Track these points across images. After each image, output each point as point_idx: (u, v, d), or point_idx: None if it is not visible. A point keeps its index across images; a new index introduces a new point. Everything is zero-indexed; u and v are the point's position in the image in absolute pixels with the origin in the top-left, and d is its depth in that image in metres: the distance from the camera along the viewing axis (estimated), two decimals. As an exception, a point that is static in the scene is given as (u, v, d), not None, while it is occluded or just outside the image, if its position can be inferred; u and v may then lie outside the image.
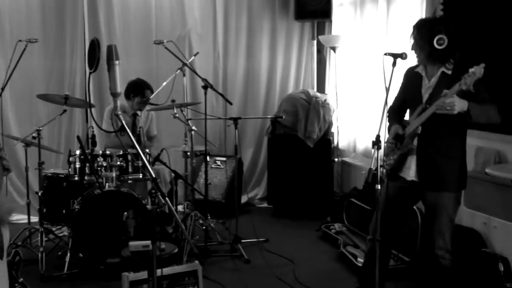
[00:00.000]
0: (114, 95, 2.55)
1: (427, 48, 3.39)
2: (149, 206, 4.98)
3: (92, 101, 6.34)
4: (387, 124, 3.77)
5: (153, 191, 2.67)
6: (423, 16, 5.16)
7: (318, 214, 6.43)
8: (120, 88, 5.95)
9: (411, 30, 3.54)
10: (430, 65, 3.50)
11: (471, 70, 3.10)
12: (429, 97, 3.46)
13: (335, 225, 5.82)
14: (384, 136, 3.36)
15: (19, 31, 6.30)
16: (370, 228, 3.89)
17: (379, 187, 3.29)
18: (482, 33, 4.50)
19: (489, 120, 3.31)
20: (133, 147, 5.09)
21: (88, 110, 6.57)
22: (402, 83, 3.78)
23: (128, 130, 2.63)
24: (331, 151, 6.73)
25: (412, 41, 3.51)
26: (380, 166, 3.34)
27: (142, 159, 2.69)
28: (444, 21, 3.44)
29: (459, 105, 3.16)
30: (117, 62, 2.55)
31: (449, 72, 3.41)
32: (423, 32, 3.42)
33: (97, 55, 2.48)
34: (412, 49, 3.54)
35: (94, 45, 2.51)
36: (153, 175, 2.65)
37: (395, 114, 3.80)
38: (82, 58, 6.63)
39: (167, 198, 2.70)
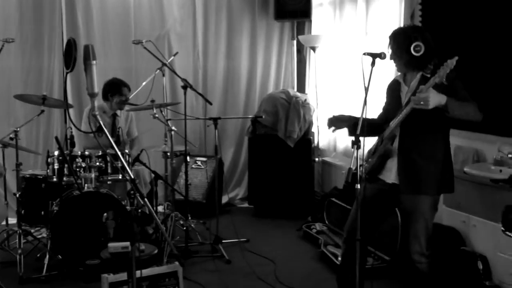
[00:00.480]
0: (92, 95, 2.53)
1: (405, 56, 3.41)
2: (128, 207, 4.96)
3: (70, 102, 6.28)
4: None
5: (131, 192, 2.64)
6: (402, 17, 5.20)
7: (299, 213, 6.44)
8: (98, 88, 5.92)
9: (387, 40, 3.54)
10: (410, 72, 3.52)
11: (445, 63, 3.12)
12: (408, 100, 3.47)
13: (316, 225, 5.83)
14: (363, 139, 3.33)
15: (-4, 30, 6.22)
16: (345, 227, 3.88)
17: (358, 186, 3.28)
18: (461, 32, 4.54)
19: (468, 116, 3.28)
20: (112, 147, 5.10)
21: (66, 110, 6.54)
22: (386, 96, 3.78)
23: (106, 131, 2.60)
24: (311, 151, 6.74)
25: (389, 51, 3.53)
26: (360, 165, 3.33)
27: (120, 160, 2.65)
28: (418, 29, 3.50)
29: (435, 99, 3.14)
30: (94, 62, 2.53)
31: (428, 75, 3.42)
32: (400, 41, 3.44)
33: (73, 55, 2.46)
34: (390, 58, 3.55)
35: (71, 45, 2.49)
36: (132, 176, 2.62)
37: (370, 126, 3.74)
38: (60, 58, 6.56)
39: (146, 199, 2.67)
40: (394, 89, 3.67)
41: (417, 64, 3.43)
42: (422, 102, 3.15)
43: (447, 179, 3.49)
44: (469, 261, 4.08)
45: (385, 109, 3.79)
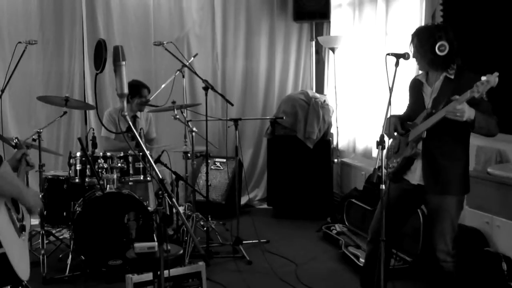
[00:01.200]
0: (121, 95, 2.54)
1: (429, 55, 3.41)
2: (150, 208, 4.98)
3: (91, 103, 6.31)
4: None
5: (160, 192, 2.65)
6: (423, 17, 5.19)
7: (318, 215, 6.44)
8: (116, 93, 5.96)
9: (410, 37, 3.54)
10: (432, 71, 3.52)
11: (483, 78, 3.07)
12: (433, 102, 3.47)
13: (336, 226, 5.83)
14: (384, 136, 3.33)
15: (17, 33, 6.27)
16: (370, 229, 3.89)
17: (383, 187, 3.28)
18: (483, 32, 4.53)
19: (489, 132, 3.32)
20: (136, 149, 5.14)
21: (89, 111, 6.60)
22: (409, 95, 3.79)
23: (135, 131, 2.62)
24: (330, 152, 6.74)
25: (412, 49, 3.52)
26: (384, 167, 3.33)
27: (148, 161, 2.67)
28: (443, 28, 3.45)
29: (468, 113, 3.15)
30: (123, 63, 2.54)
31: (452, 77, 3.42)
32: (424, 39, 3.43)
33: (103, 56, 2.47)
34: (413, 56, 3.54)
35: (101, 46, 2.50)
36: (160, 176, 2.64)
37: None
38: (81, 60, 6.63)
39: (174, 199, 2.69)
40: (416, 89, 3.67)
41: (441, 64, 3.42)
42: (458, 114, 3.14)
43: (467, 180, 3.52)
44: (493, 262, 4.05)
45: (410, 107, 3.78)
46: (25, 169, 3.17)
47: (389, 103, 3.38)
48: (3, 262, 2.44)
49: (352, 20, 6.61)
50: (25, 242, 2.84)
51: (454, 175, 3.43)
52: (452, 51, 3.36)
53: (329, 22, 7.11)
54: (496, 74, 3.05)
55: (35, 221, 5.42)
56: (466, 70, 3.41)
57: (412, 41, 3.52)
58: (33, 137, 4.87)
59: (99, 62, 2.51)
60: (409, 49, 3.53)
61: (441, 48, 3.35)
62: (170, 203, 2.67)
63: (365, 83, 6.29)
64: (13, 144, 3.32)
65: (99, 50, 2.51)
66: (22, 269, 2.59)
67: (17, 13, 6.39)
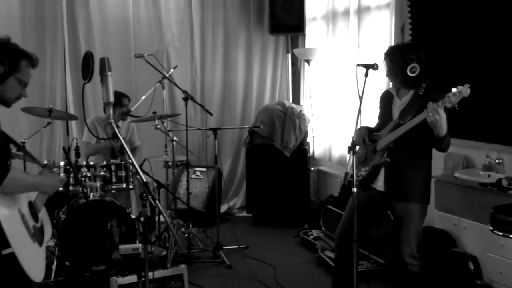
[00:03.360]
0: (108, 104, 2.71)
1: (401, 75, 3.58)
2: (132, 215, 5.12)
3: (73, 113, 6.42)
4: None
5: (144, 194, 2.81)
6: (393, 30, 5.41)
7: (296, 221, 6.60)
8: (98, 101, 6.08)
9: (382, 56, 3.70)
10: (404, 89, 3.70)
11: (454, 89, 3.21)
12: (401, 113, 3.65)
13: (313, 231, 6.01)
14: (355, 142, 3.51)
15: None
16: (336, 233, 4.04)
17: (355, 190, 3.45)
18: (450, 44, 4.76)
19: (446, 149, 3.50)
20: (115, 157, 5.27)
21: (71, 122, 6.70)
22: (379, 107, 3.95)
23: (120, 136, 2.79)
24: (307, 160, 6.91)
25: (385, 67, 3.69)
26: (356, 174, 3.49)
27: (133, 165, 2.84)
28: (414, 48, 3.59)
29: (442, 121, 3.26)
30: (109, 73, 2.71)
31: (421, 93, 3.61)
32: (396, 60, 3.60)
33: (91, 67, 2.64)
34: (386, 75, 3.72)
35: (88, 58, 2.67)
36: (144, 179, 2.80)
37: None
38: (63, 72, 6.74)
39: (157, 201, 2.85)
40: (386, 100, 3.83)
41: (412, 84, 3.60)
42: (437, 117, 3.23)
43: (429, 191, 3.71)
44: (460, 262, 4.27)
45: (379, 118, 3.96)
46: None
47: (359, 112, 3.54)
48: (13, 263, 2.51)
49: (326, 33, 6.82)
50: (41, 248, 2.92)
51: (417, 184, 3.61)
52: (422, 72, 3.52)
53: (304, 35, 7.30)
54: (468, 85, 3.20)
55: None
56: (434, 91, 3.55)
57: (385, 59, 3.68)
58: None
59: (86, 72, 2.67)
60: (382, 66, 3.71)
61: (413, 70, 3.51)
62: (153, 204, 2.82)
63: (339, 93, 6.50)
64: (43, 164, 3.31)
65: (87, 62, 2.67)
66: (35, 271, 2.67)
67: (-1, 27, 6.50)
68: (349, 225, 3.58)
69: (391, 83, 3.89)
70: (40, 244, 2.89)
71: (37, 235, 2.87)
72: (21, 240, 2.65)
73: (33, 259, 2.71)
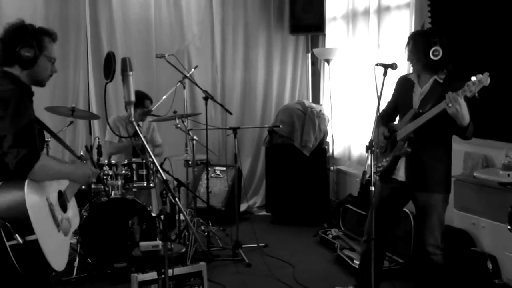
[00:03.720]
0: (129, 103, 2.77)
1: (423, 59, 3.60)
2: (153, 213, 5.19)
3: (96, 113, 6.51)
4: (375, 126, 3.96)
5: (164, 192, 2.86)
6: (413, 29, 5.41)
7: (315, 220, 6.64)
8: (120, 100, 6.14)
9: (405, 41, 3.75)
10: (424, 74, 3.71)
11: (474, 78, 3.24)
12: (421, 102, 3.68)
13: (332, 231, 6.03)
14: (376, 142, 3.54)
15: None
16: (364, 229, 4.10)
17: (373, 189, 3.48)
18: (469, 42, 4.75)
19: (470, 138, 3.51)
20: (137, 156, 5.35)
21: (93, 121, 6.80)
22: (395, 90, 3.98)
23: (141, 135, 2.85)
24: (326, 160, 6.93)
25: (407, 52, 3.73)
26: (374, 172, 3.53)
27: (153, 162, 2.89)
28: (438, 33, 3.63)
29: (463, 110, 3.29)
30: (131, 73, 2.77)
31: (441, 81, 3.63)
32: (419, 44, 3.63)
33: (113, 67, 2.70)
34: (408, 59, 3.75)
35: (110, 58, 2.73)
36: (164, 177, 2.85)
37: (386, 117, 4.00)
38: (85, 72, 6.85)
39: (177, 199, 2.90)
40: (406, 87, 3.84)
41: (434, 67, 3.62)
42: (457, 107, 3.27)
43: (450, 180, 3.75)
44: (479, 261, 4.27)
45: (393, 102, 3.99)
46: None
47: (378, 111, 3.60)
48: (35, 250, 2.54)
49: (346, 33, 6.84)
50: (66, 238, 2.93)
51: (439, 174, 3.65)
52: (445, 56, 3.55)
53: (324, 34, 7.33)
54: (487, 74, 3.22)
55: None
56: (454, 80, 3.58)
57: (408, 44, 3.72)
58: (41, 146, 5.10)
59: (108, 72, 2.73)
60: (404, 51, 3.73)
61: (435, 53, 3.54)
62: (173, 202, 2.87)
63: (359, 93, 6.51)
64: (78, 155, 3.35)
65: (109, 62, 2.73)
66: (57, 260, 2.69)
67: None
68: (377, 219, 3.61)
69: (411, 69, 3.88)
70: (66, 234, 2.91)
71: (64, 225, 2.89)
72: (46, 228, 2.68)
73: (56, 248, 2.74)
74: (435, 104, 3.49)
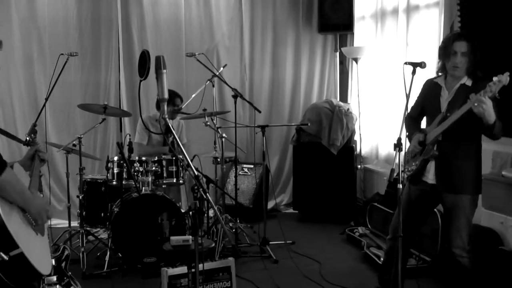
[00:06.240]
0: (162, 100, 2.83)
1: (478, 56, 3.63)
2: (182, 209, 5.27)
3: (126, 110, 6.62)
4: (406, 130, 3.99)
5: (195, 187, 2.93)
6: (442, 28, 5.39)
7: (342, 218, 6.67)
8: (150, 100, 6.28)
9: (437, 46, 3.78)
10: (459, 75, 3.69)
11: (495, 78, 3.28)
12: (448, 105, 3.70)
13: (359, 229, 6.06)
14: (404, 142, 3.57)
15: (58, 45, 6.68)
16: (390, 227, 4.13)
17: (400, 186, 3.51)
18: (499, 43, 4.73)
19: (498, 137, 3.53)
20: (166, 153, 5.44)
21: (124, 119, 6.92)
22: (421, 93, 4.01)
23: (173, 131, 2.92)
24: (354, 158, 6.95)
25: (460, 53, 3.64)
26: (402, 171, 3.56)
27: (185, 159, 2.97)
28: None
29: (489, 109, 3.32)
30: (164, 71, 2.84)
31: (469, 84, 3.65)
32: (477, 42, 3.66)
33: (147, 65, 2.77)
34: (456, 60, 3.67)
35: (145, 56, 2.80)
36: (196, 173, 2.92)
37: (413, 121, 4.02)
38: (117, 71, 6.99)
39: (207, 194, 2.97)
40: (433, 91, 3.86)
41: (475, 69, 3.66)
42: (483, 106, 3.29)
43: (480, 180, 3.74)
44: (507, 260, 4.25)
45: (419, 105, 4.01)
46: (39, 166, 3.14)
47: (406, 109, 3.64)
48: (22, 262, 2.49)
49: (374, 32, 6.84)
50: (44, 238, 2.88)
51: (467, 175, 3.65)
52: (476, 63, 3.63)
53: (353, 33, 7.34)
54: (507, 73, 3.25)
55: (74, 222, 5.77)
56: (480, 81, 3.59)
57: (462, 45, 3.65)
58: (74, 142, 5.23)
59: (143, 70, 2.80)
60: (453, 51, 3.66)
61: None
62: (204, 197, 2.94)
63: (387, 92, 6.50)
64: (25, 141, 3.21)
65: (143, 60, 2.80)
66: (43, 265, 2.65)
67: (58, 27, 6.79)
68: (404, 218, 3.63)
69: (436, 74, 3.88)
70: (42, 233, 2.87)
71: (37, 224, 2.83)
72: (26, 237, 2.63)
73: (39, 253, 2.70)
74: (461, 106, 3.51)
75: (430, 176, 3.80)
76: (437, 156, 3.71)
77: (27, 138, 3.25)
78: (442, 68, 3.80)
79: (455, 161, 3.67)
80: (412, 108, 4.03)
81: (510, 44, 4.62)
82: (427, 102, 3.94)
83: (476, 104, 3.31)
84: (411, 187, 3.90)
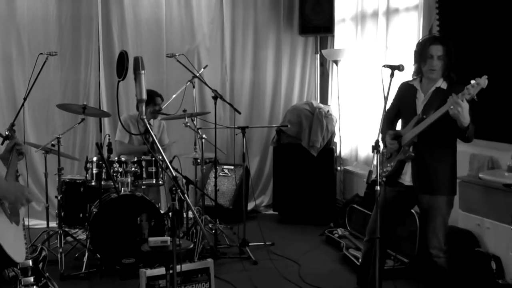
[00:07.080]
0: (141, 101, 2.83)
1: (453, 60, 3.67)
2: (161, 210, 5.26)
3: (106, 110, 6.59)
4: (380, 132, 4.01)
5: (173, 188, 2.92)
6: (421, 31, 5.44)
7: (321, 220, 6.68)
8: (131, 99, 6.24)
9: (411, 50, 3.81)
10: (434, 78, 3.72)
11: (473, 81, 3.31)
12: (424, 107, 3.73)
13: (338, 230, 6.08)
14: (380, 142, 3.59)
15: (37, 44, 6.62)
16: (367, 229, 4.15)
17: (378, 188, 3.53)
18: (477, 45, 4.78)
19: (471, 139, 3.56)
20: (146, 154, 5.42)
21: (103, 119, 6.88)
22: (396, 95, 4.03)
23: (152, 133, 2.92)
24: (333, 160, 6.98)
25: (436, 56, 3.67)
26: (381, 173, 3.58)
27: (163, 161, 2.96)
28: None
29: (464, 112, 3.35)
30: (143, 71, 2.83)
31: (444, 88, 3.69)
32: (453, 46, 3.69)
33: (126, 66, 2.77)
34: (433, 63, 3.69)
35: (123, 57, 2.80)
36: (174, 174, 2.91)
37: (388, 123, 4.04)
38: (97, 70, 6.95)
39: (186, 195, 2.97)
40: (409, 93, 3.89)
41: (450, 71, 3.70)
42: (459, 109, 3.32)
43: (455, 181, 3.79)
44: (483, 262, 4.31)
45: (394, 107, 4.04)
46: (16, 158, 3.15)
47: (384, 111, 3.67)
48: None
49: (354, 34, 6.88)
50: (19, 228, 2.90)
51: (443, 176, 3.69)
52: (450, 65, 3.67)
53: (333, 36, 7.37)
54: (486, 76, 3.30)
55: (53, 222, 5.73)
56: (455, 84, 3.64)
57: (445, 44, 3.68)
58: (52, 142, 5.19)
59: (121, 71, 2.79)
60: (429, 55, 3.67)
61: None
62: (182, 198, 2.94)
63: (367, 94, 6.54)
64: (4, 135, 3.23)
65: (122, 60, 2.80)
66: (17, 253, 2.69)
67: (37, 25, 6.73)
68: (380, 221, 3.64)
69: (433, 75, 3.84)
70: (17, 223, 2.88)
71: (14, 214, 2.86)
72: (2, 226, 2.65)
73: (14, 241, 2.72)
74: (437, 108, 3.54)
75: (407, 178, 3.83)
76: (413, 157, 3.74)
77: (7, 133, 3.27)
78: (418, 71, 3.84)
79: (431, 162, 3.70)
80: (388, 110, 4.05)
81: (488, 47, 4.68)
82: (403, 104, 3.97)
83: (452, 107, 3.35)
84: (387, 188, 3.93)
